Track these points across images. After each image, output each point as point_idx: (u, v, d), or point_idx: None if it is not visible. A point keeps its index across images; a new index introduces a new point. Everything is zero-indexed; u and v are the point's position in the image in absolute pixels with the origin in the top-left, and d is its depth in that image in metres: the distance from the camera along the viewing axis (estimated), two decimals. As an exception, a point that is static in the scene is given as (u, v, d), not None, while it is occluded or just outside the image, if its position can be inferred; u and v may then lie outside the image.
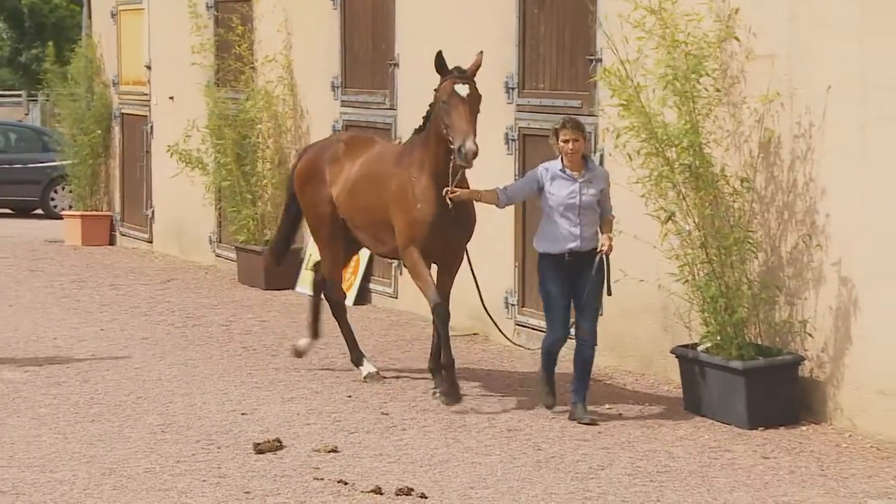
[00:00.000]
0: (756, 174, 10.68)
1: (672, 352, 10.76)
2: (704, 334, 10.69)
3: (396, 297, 14.79)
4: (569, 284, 10.25)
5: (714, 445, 9.73)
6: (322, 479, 8.91)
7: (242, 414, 10.59)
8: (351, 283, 15.12)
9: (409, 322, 14.13)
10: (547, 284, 10.31)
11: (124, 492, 8.63)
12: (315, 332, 12.13)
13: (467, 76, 10.59)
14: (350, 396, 11.18)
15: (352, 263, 15.21)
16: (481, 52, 10.81)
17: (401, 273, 14.69)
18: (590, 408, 10.37)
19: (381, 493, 8.60)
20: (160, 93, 18.88)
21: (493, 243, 12.76)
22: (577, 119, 10.45)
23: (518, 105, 12.98)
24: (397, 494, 8.58)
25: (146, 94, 19.21)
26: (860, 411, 10.01)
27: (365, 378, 11.61)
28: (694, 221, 10.61)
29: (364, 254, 15.03)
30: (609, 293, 10.41)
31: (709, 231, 10.46)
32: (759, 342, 10.57)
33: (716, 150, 10.69)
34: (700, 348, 10.69)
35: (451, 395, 10.79)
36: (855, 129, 9.96)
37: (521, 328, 12.88)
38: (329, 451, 9.54)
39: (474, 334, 13.29)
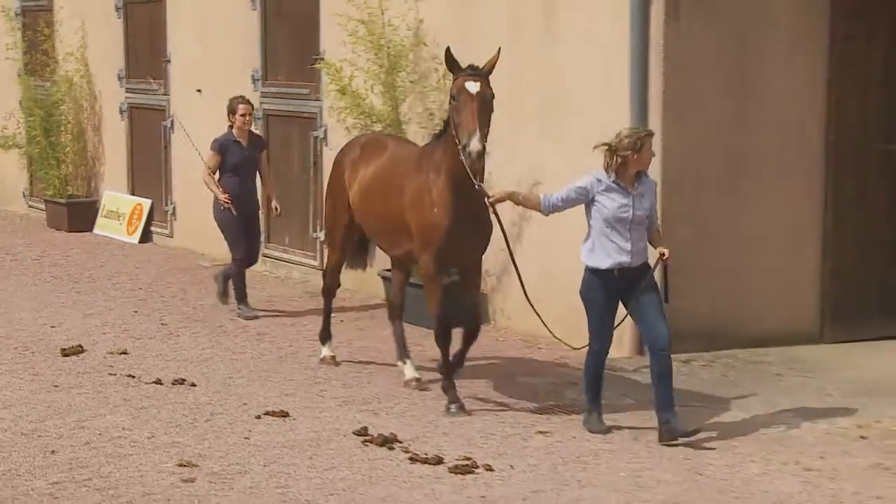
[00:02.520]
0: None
1: (379, 274, 10.95)
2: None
3: (172, 237, 14.71)
4: (616, 299, 7.78)
5: (410, 342, 9.95)
6: (115, 374, 8.92)
7: (51, 327, 10.47)
8: (136, 227, 14.98)
9: (182, 256, 14.00)
10: (592, 295, 7.77)
11: (-42, 388, 8.51)
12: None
13: (480, 74, 7.96)
14: (136, 312, 11.13)
15: (136, 211, 15.09)
16: (499, 48, 8.24)
17: (175, 219, 14.61)
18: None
19: (161, 384, 8.67)
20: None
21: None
22: None
23: (262, 92, 12.98)
24: (173, 384, 8.67)
25: (-32, 81, 18.50)
26: (514, 315, 10.32)
27: (320, 360, 9.49)
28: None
29: (146, 203, 14.92)
30: (667, 300, 7.82)
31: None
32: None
33: (410, 126, 10.99)
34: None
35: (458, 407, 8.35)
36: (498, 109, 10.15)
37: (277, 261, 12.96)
38: (120, 353, 9.53)
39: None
